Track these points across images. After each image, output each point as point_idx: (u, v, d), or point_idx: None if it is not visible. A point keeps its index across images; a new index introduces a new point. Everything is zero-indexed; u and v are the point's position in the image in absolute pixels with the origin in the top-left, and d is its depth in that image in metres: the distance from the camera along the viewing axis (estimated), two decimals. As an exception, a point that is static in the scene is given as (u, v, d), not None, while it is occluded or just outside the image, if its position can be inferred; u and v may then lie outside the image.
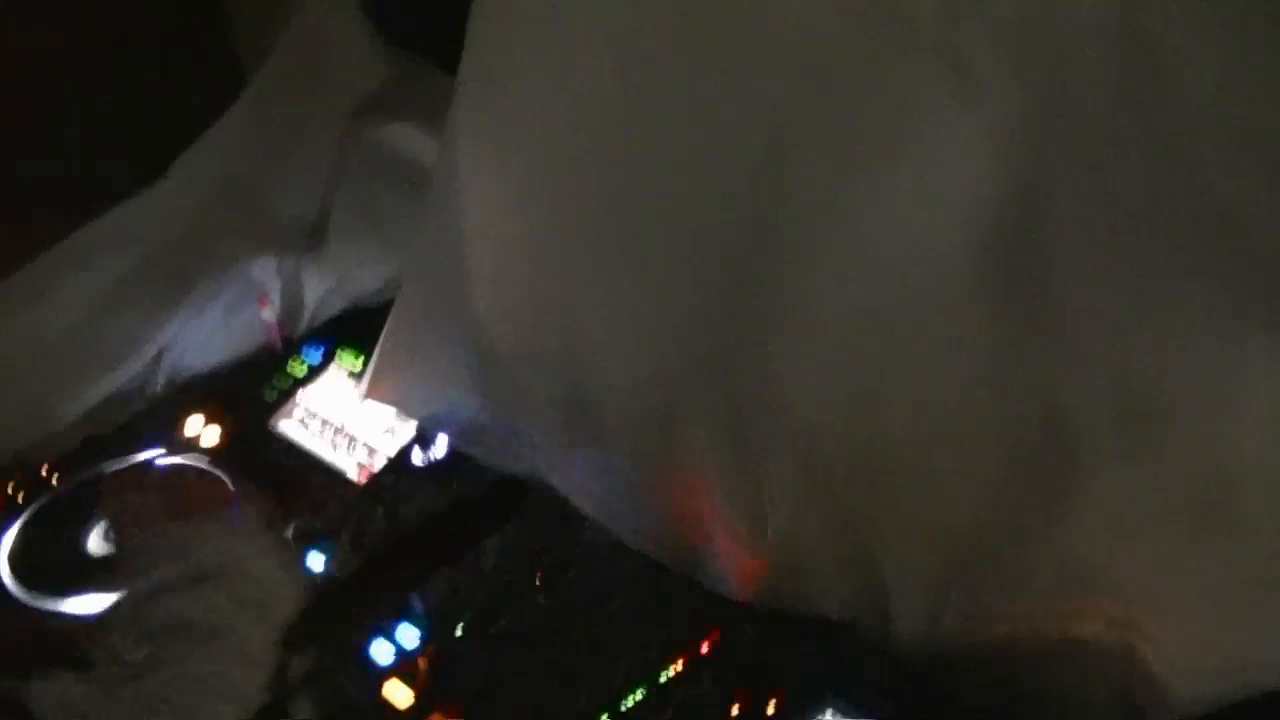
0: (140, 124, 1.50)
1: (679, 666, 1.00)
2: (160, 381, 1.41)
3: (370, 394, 1.27)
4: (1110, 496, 0.85)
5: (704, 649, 1.01)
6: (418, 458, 1.25)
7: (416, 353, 1.22)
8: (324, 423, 1.32)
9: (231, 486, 1.22)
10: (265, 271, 1.41)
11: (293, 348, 1.43)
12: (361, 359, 1.35)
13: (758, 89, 0.89)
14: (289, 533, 1.18)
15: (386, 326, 1.23)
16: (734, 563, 1.03)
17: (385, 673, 1.03)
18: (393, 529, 1.17)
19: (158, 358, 1.40)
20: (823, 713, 0.93)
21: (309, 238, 1.45)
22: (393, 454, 1.27)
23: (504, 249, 1.09)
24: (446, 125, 1.09)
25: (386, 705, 1.00)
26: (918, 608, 0.95)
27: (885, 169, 0.85)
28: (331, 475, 1.27)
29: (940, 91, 0.81)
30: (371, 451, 1.28)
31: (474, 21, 1.02)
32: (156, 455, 1.28)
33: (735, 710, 0.95)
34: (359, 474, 1.26)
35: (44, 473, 1.28)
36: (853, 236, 0.87)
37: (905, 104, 0.83)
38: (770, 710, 0.95)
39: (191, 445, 1.31)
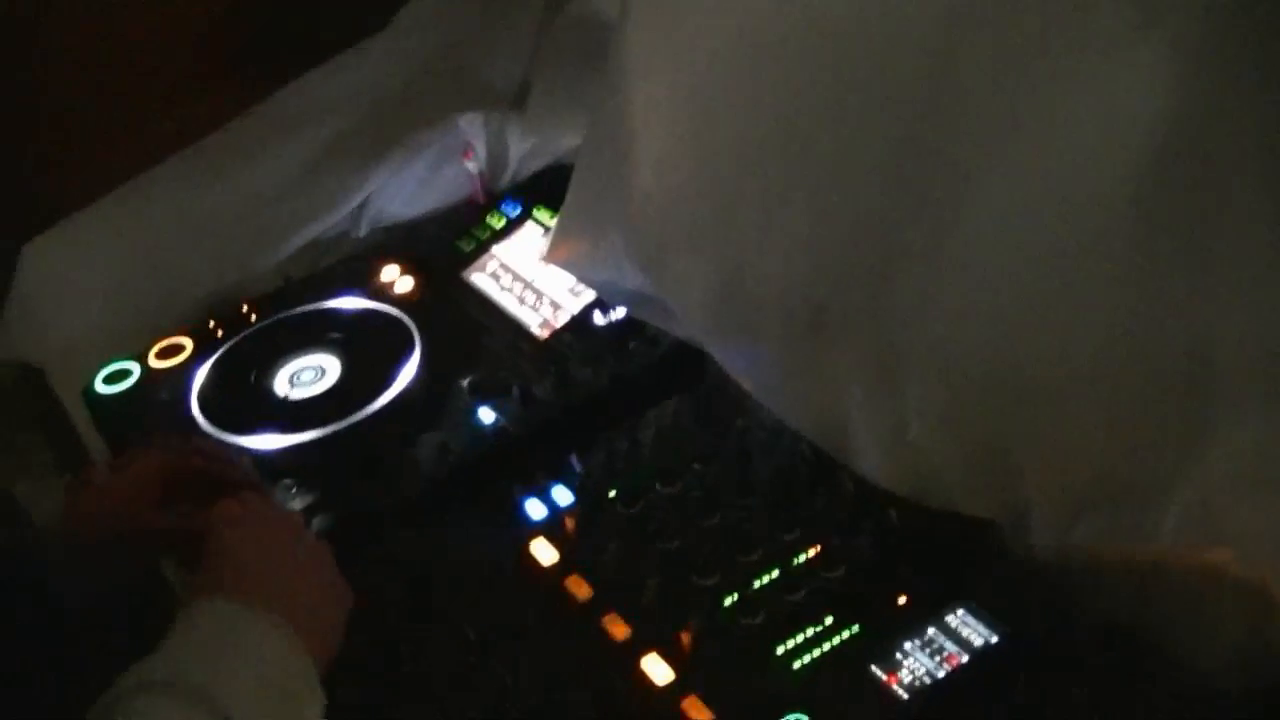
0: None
1: (814, 551, 0.98)
2: (363, 228, 1.44)
3: (549, 257, 1.27)
4: (1249, 445, 0.80)
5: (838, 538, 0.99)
6: (599, 318, 1.24)
7: (590, 222, 1.21)
8: (515, 277, 1.32)
9: (416, 334, 1.22)
10: (472, 127, 1.41)
11: (492, 202, 1.42)
12: (555, 217, 1.34)
13: (924, 17, 0.84)
14: (464, 384, 1.18)
15: (568, 191, 1.22)
16: (878, 456, 0.99)
17: (534, 530, 1.03)
18: (563, 389, 1.16)
19: (362, 205, 1.42)
20: (952, 610, 0.90)
21: (514, 98, 1.45)
22: (575, 312, 1.26)
23: (669, 136, 1.07)
24: (620, 11, 1.07)
25: (531, 562, 1.00)
26: (1054, 521, 0.92)
27: (1058, 89, 0.80)
28: (515, 329, 1.27)
29: (1119, 18, 0.76)
30: (556, 308, 1.27)
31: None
32: (347, 299, 1.29)
33: (865, 600, 0.93)
34: (542, 329, 1.25)
35: (244, 310, 1.32)
36: (1019, 158, 0.83)
37: (1082, 19, 0.78)
38: (900, 602, 0.92)
39: (385, 293, 1.32)
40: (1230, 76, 0.73)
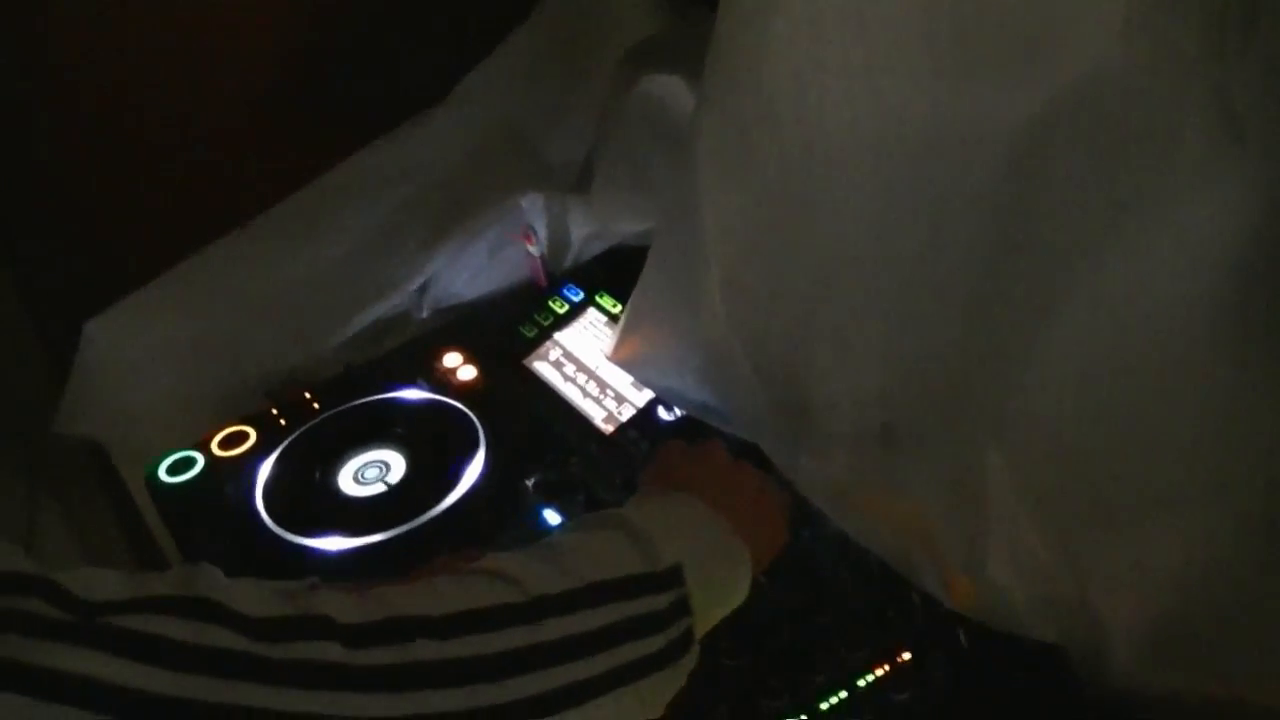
0: (425, 47, 1.52)
1: (881, 671, 0.98)
2: (424, 311, 1.43)
3: (613, 355, 1.27)
4: None
5: (906, 656, 0.99)
6: (664, 413, 1.23)
7: (656, 328, 1.21)
8: (578, 366, 1.32)
9: (480, 430, 1.21)
10: (533, 208, 1.41)
11: (554, 286, 1.42)
12: (619, 305, 1.33)
13: (1010, 119, 0.82)
14: (530, 483, 1.18)
15: (634, 293, 1.21)
16: (949, 577, 0.99)
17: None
18: (629, 490, 1.15)
19: (424, 287, 1.42)
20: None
21: (576, 179, 1.45)
22: (640, 406, 1.25)
23: (740, 248, 1.06)
24: (692, 116, 1.05)
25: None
26: (1128, 653, 0.91)
27: (1143, 207, 0.79)
28: (579, 423, 1.26)
29: (1207, 135, 0.75)
30: (621, 401, 1.26)
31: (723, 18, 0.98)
32: (410, 391, 1.29)
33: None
34: (606, 423, 1.25)
35: (307, 397, 1.31)
36: (1100, 278, 0.82)
37: (1169, 134, 0.76)
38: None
39: (448, 380, 1.32)
40: None
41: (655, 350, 1.21)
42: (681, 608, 0.79)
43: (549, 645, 0.70)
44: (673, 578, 0.79)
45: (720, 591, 0.85)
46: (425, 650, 0.65)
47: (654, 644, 0.75)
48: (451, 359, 1.34)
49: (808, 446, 1.07)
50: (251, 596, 0.61)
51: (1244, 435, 0.80)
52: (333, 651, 0.61)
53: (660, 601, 0.77)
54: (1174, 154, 0.76)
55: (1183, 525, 0.85)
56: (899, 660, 0.98)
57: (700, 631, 0.81)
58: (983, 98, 0.82)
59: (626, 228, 1.41)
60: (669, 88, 1.32)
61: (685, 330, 1.15)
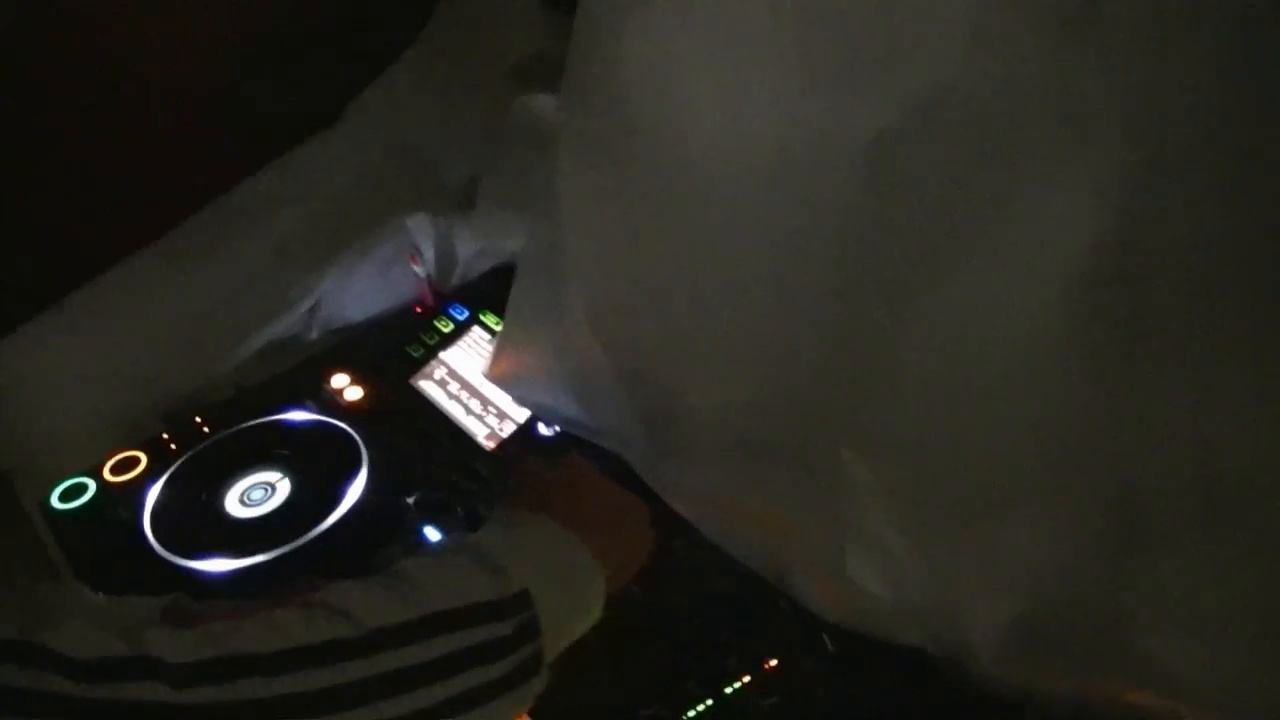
0: (316, 71, 1.54)
1: (749, 678, 1.01)
2: (315, 332, 1.47)
3: (489, 374, 1.30)
4: (1176, 585, 0.82)
5: (773, 663, 1.02)
6: (544, 429, 1.27)
7: (527, 344, 1.24)
8: (462, 384, 1.35)
9: (363, 449, 1.25)
10: (419, 228, 1.44)
11: (441, 305, 1.45)
12: (501, 322, 1.37)
13: (863, 131, 0.84)
14: (411, 501, 1.21)
15: (507, 310, 1.25)
16: (816, 583, 1.02)
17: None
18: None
19: (314, 309, 1.45)
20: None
21: (463, 198, 1.48)
22: (521, 422, 1.29)
23: (602, 265, 1.09)
24: (556, 137, 1.08)
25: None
26: (992, 651, 0.94)
27: (996, 227, 0.80)
28: (461, 440, 1.29)
29: (1054, 140, 0.76)
30: (502, 417, 1.30)
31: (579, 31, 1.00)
32: (296, 413, 1.32)
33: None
34: (488, 440, 1.28)
35: (196, 421, 1.34)
36: (952, 298, 0.84)
37: (1015, 151, 0.78)
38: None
39: (335, 401, 1.35)
40: (1156, 209, 0.74)
41: (527, 366, 1.25)
42: (528, 632, 0.81)
43: (383, 677, 0.72)
44: (520, 602, 0.81)
45: (573, 610, 0.88)
46: (252, 688, 0.67)
47: (498, 670, 0.78)
48: (339, 380, 1.38)
49: (674, 458, 1.11)
50: (80, 638, 0.64)
51: (1093, 438, 0.82)
52: (160, 692, 0.64)
53: (504, 628, 0.79)
54: (1023, 161, 0.78)
55: (1034, 526, 0.88)
56: (766, 667, 1.02)
57: (553, 651, 0.84)
58: (837, 110, 0.84)
59: (511, 246, 1.44)
60: (548, 105, 1.35)
61: (553, 345, 1.19)
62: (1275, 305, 0.73)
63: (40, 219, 1.48)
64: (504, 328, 1.27)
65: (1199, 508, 0.79)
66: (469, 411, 1.32)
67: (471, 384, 1.35)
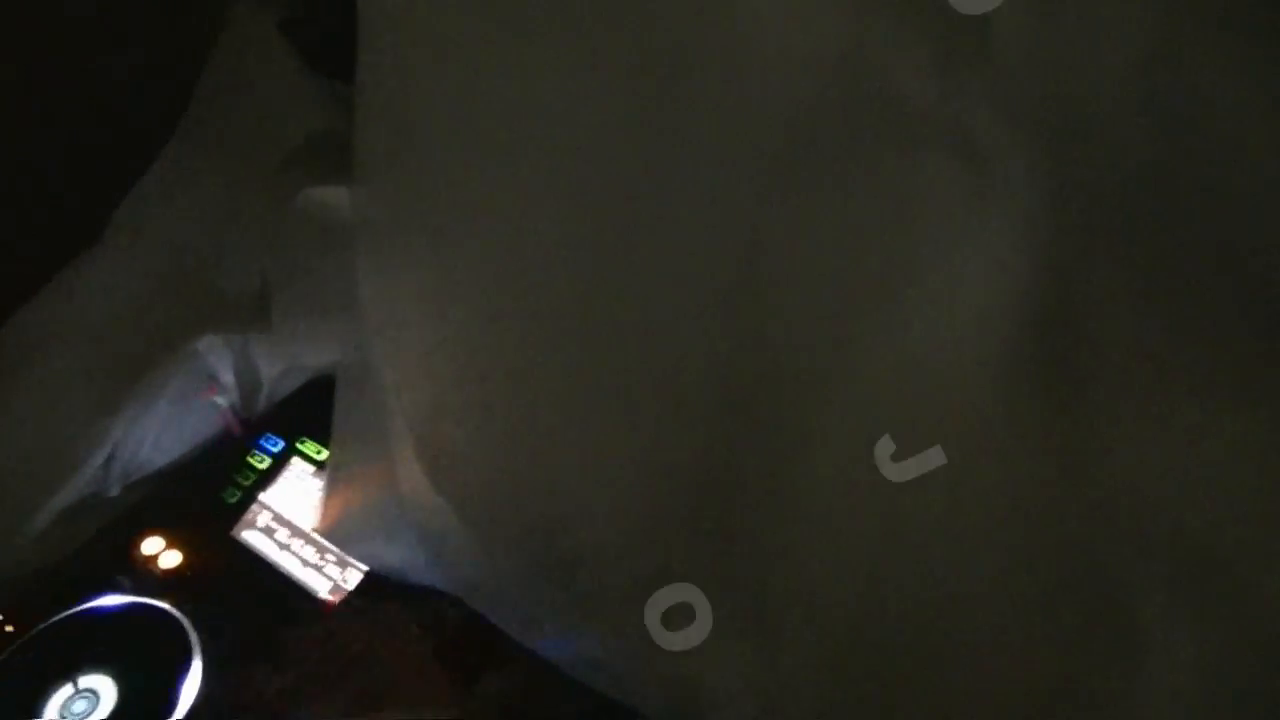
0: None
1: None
2: (114, 487, 1.29)
3: (320, 529, 1.17)
4: (1174, 674, 0.73)
5: None
6: (393, 575, 1.15)
7: (357, 491, 1.11)
8: (291, 530, 1.21)
9: (192, 635, 1.11)
10: (211, 351, 1.28)
11: (251, 437, 1.30)
12: (323, 450, 1.24)
13: (732, 198, 0.76)
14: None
15: (331, 444, 1.12)
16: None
17: None
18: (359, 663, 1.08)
19: (109, 460, 1.28)
20: None
21: (254, 312, 1.31)
22: (366, 569, 1.16)
23: (431, 393, 0.96)
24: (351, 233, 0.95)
25: None
26: None
27: (896, 283, 0.73)
28: (302, 597, 1.16)
29: (949, 185, 0.70)
30: (344, 565, 1.17)
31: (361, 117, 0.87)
32: (108, 597, 1.17)
33: None
34: (332, 594, 1.16)
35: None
36: (863, 365, 0.76)
37: (910, 203, 0.71)
38: None
39: (150, 571, 1.20)
40: (1079, 241, 0.69)
41: (364, 517, 1.11)
42: None
43: None
44: None
45: None
46: None
47: None
48: (151, 544, 1.23)
49: (557, 612, 0.99)
50: None
51: (1047, 506, 0.74)
52: None
53: None
54: (917, 210, 0.72)
55: (1004, 628, 0.77)
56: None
57: None
58: (697, 184, 0.77)
59: (316, 359, 1.29)
60: (336, 196, 1.21)
61: (390, 486, 1.05)
62: (1215, 352, 0.68)
63: None
64: (330, 467, 1.13)
65: (1179, 582, 0.71)
66: (305, 563, 1.19)
67: (301, 529, 1.21)
